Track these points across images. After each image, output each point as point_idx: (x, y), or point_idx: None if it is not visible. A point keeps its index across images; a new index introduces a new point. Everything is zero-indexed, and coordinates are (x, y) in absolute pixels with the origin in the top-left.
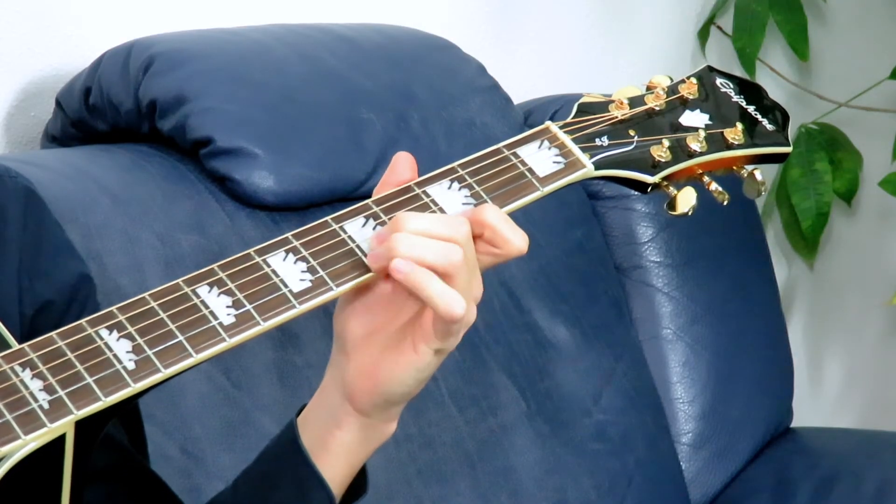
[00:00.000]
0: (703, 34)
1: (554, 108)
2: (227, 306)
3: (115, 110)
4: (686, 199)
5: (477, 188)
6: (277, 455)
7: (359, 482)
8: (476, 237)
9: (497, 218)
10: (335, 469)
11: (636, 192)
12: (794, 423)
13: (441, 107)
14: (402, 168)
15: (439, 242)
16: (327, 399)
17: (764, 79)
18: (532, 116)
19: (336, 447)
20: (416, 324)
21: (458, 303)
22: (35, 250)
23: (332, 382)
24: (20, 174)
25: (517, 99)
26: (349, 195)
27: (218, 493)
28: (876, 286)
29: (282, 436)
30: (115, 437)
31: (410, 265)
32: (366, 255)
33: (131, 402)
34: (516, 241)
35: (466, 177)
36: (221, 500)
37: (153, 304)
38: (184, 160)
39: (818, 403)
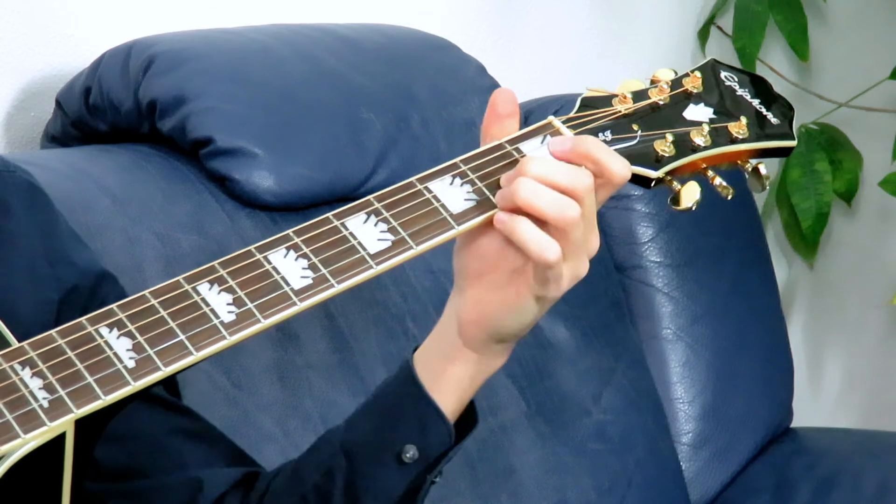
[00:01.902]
0: (703, 34)
1: (554, 108)
2: (228, 304)
3: (115, 110)
4: (690, 194)
5: (479, 184)
6: (395, 394)
7: (468, 418)
8: None
9: (598, 149)
10: (448, 403)
11: (637, 192)
12: (794, 423)
13: (441, 107)
14: (501, 107)
15: (557, 195)
16: (442, 336)
17: None
18: (532, 116)
19: (447, 382)
20: (523, 270)
21: (552, 248)
22: (49, 237)
23: (447, 319)
24: (19, 167)
25: (517, 99)
26: (349, 195)
27: (327, 431)
28: (876, 286)
29: (398, 376)
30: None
31: (508, 218)
32: (368, 252)
33: (132, 400)
34: (617, 167)
35: (469, 172)
36: (333, 437)
37: (153, 301)
38: (184, 160)
39: (818, 403)
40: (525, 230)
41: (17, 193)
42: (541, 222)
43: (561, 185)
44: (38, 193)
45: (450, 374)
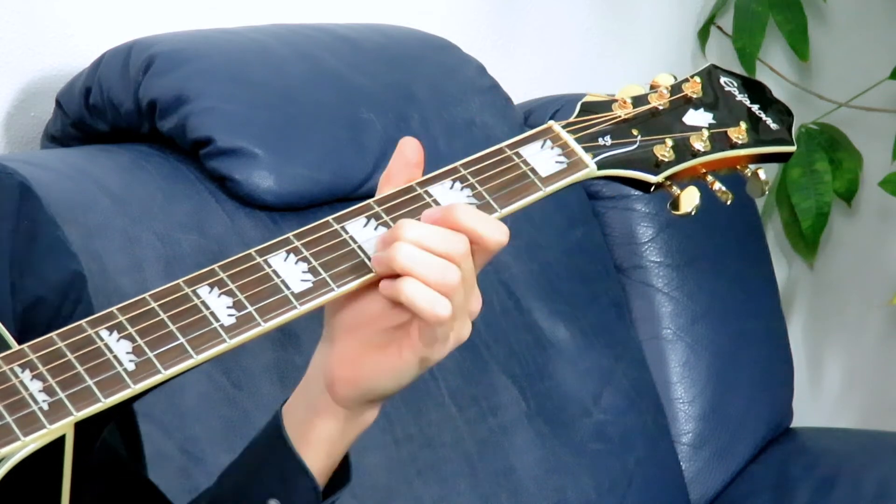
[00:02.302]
0: (703, 34)
1: (554, 108)
2: (228, 307)
3: (115, 110)
4: (689, 199)
5: (479, 188)
6: (262, 446)
7: (343, 471)
8: None
9: (468, 217)
10: (317, 458)
11: (637, 192)
12: (794, 423)
13: (441, 107)
14: (410, 153)
15: (437, 260)
16: (309, 388)
17: (764, 79)
18: (532, 116)
19: (316, 437)
20: (405, 330)
21: (442, 303)
22: (27, 246)
23: (314, 371)
24: (16, 171)
25: (517, 99)
26: (349, 195)
27: (206, 488)
28: (876, 286)
29: (267, 427)
30: (105, 439)
31: (392, 282)
32: (368, 256)
33: (132, 403)
34: (494, 235)
35: (469, 177)
36: (210, 493)
37: (153, 304)
38: (184, 160)
39: (818, 403)
40: (412, 289)
41: (9, 196)
42: None
43: (437, 250)
44: (29, 197)
45: (319, 429)
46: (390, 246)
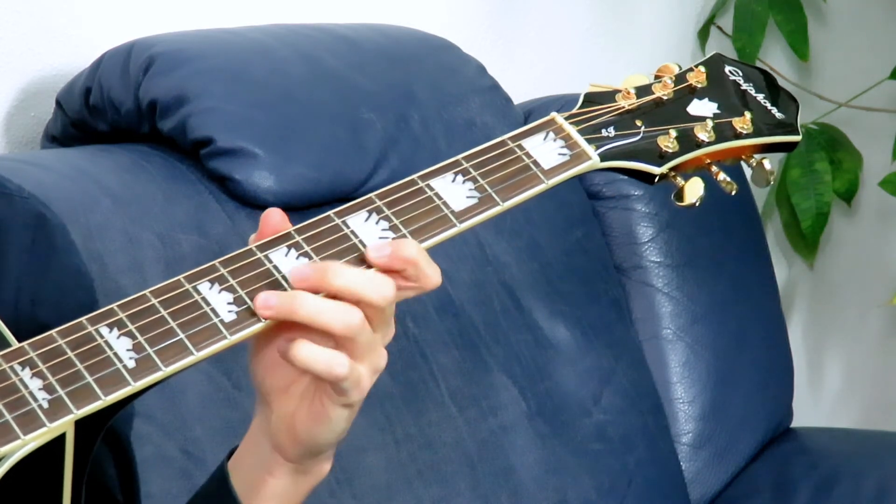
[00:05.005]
0: (703, 34)
1: (554, 108)
2: (229, 303)
3: (115, 110)
4: (694, 190)
5: (481, 181)
6: (209, 497)
7: None
8: (396, 272)
9: (419, 255)
10: None
11: (637, 192)
12: (794, 423)
13: (441, 107)
14: (268, 230)
15: (338, 305)
16: (257, 447)
17: None
18: (532, 116)
19: (268, 493)
20: (321, 382)
21: (338, 361)
22: (39, 276)
23: (259, 431)
24: (34, 196)
25: (517, 99)
26: (349, 195)
27: None
28: (876, 286)
29: (213, 478)
30: (98, 477)
31: (287, 346)
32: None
33: (131, 400)
34: (434, 276)
35: (471, 170)
36: None
37: (154, 301)
38: (184, 160)
39: (818, 403)
40: (307, 352)
41: (23, 222)
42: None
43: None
44: (45, 226)
45: (271, 486)
46: (289, 300)
